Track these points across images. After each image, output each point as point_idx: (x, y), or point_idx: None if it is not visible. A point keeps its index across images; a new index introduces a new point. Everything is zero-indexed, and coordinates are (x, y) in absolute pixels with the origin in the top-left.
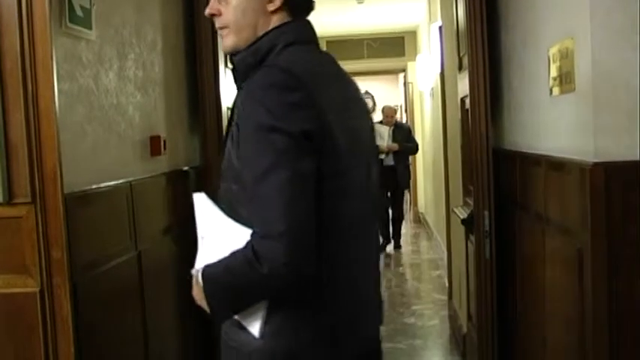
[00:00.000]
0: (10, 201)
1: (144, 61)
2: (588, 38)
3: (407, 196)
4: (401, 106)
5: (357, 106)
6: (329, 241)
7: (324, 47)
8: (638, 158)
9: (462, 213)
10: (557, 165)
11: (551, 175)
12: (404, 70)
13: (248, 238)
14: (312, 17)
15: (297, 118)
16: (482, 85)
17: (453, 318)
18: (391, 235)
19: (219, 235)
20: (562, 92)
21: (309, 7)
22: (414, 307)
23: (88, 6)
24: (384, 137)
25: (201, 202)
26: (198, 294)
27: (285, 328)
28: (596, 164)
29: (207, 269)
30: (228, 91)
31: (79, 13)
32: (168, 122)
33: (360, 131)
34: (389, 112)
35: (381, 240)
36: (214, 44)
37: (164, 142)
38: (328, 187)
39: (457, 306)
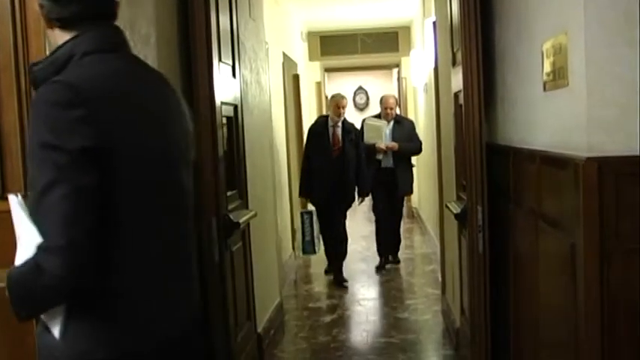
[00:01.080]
0: (3, 195)
1: (137, 55)
2: (582, 34)
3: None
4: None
5: (169, 112)
6: (122, 249)
7: (318, 43)
8: (631, 153)
9: (456, 208)
10: (550, 160)
11: (544, 170)
12: (397, 66)
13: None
14: (305, 11)
15: (77, 135)
16: (476, 81)
17: (445, 312)
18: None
19: (25, 238)
20: (556, 87)
21: (103, 13)
22: (407, 302)
23: None
24: (381, 134)
25: (14, 203)
26: None
27: (80, 332)
28: (589, 159)
29: (11, 270)
30: (222, 85)
31: None
32: None
33: (169, 137)
34: (388, 103)
35: (380, 259)
36: (208, 39)
37: None
38: (124, 197)
39: (450, 300)
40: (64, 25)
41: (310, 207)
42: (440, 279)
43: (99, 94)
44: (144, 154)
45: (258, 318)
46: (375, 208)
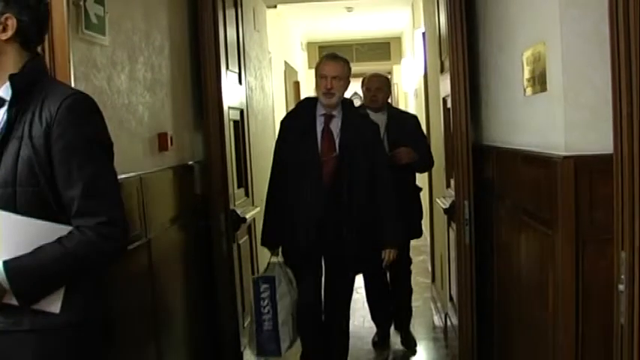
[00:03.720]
0: None
1: (152, 64)
2: (559, 43)
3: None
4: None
5: None
6: None
7: (316, 52)
8: (603, 152)
9: (444, 203)
10: (530, 158)
11: (525, 168)
12: (390, 73)
13: (61, 231)
14: (305, 24)
15: (106, 134)
16: (463, 86)
17: (435, 299)
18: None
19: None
20: (535, 92)
21: (39, 41)
22: None
23: (102, 14)
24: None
25: None
26: None
27: (78, 302)
28: (566, 157)
29: (16, 264)
30: (229, 91)
31: (94, 20)
32: (174, 120)
33: None
34: (372, 83)
35: (375, 337)
36: (217, 48)
37: (171, 138)
38: None
39: (439, 288)
40: (21, 41)
41: (273, 264)
42: (430, 268)
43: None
44: None
45: None
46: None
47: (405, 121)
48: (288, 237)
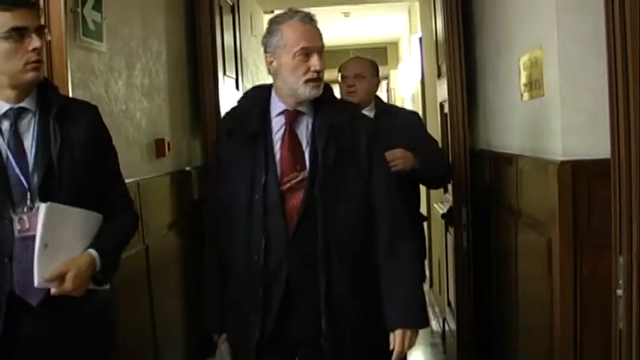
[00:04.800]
0: None
1: (150, 70)
2: (556, 48)
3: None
4: None
5: None
6: None
7: None
8: (600, 156)
9: (442, 208)
10: (528, 163)
11: (522, 173)
12: (387, 78)
13: (99, 218)
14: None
15: None
16: (460, 91)
17: (433, 304)
18: None
19: (75, 229)
20: (532, 97)
21: None
22: None
23: (99, 20)
24: None
25: (52, 210)
26: (84, 281)
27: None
28: (563, 162)
29: (104, 246)
30: (226, 97)
31: (92, 27)
32: (172, 126)
33: None
34: (349, 68)
35: None
36: (214, 54)
37: (168, 144)
38: None
39: (437, 293)
40: None
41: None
42: (428, 273)
43: None
44: None
45: None
46: None
47: (401, 120)
48: (232, 325)
